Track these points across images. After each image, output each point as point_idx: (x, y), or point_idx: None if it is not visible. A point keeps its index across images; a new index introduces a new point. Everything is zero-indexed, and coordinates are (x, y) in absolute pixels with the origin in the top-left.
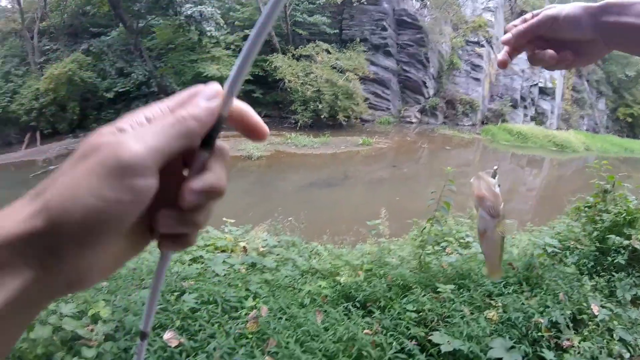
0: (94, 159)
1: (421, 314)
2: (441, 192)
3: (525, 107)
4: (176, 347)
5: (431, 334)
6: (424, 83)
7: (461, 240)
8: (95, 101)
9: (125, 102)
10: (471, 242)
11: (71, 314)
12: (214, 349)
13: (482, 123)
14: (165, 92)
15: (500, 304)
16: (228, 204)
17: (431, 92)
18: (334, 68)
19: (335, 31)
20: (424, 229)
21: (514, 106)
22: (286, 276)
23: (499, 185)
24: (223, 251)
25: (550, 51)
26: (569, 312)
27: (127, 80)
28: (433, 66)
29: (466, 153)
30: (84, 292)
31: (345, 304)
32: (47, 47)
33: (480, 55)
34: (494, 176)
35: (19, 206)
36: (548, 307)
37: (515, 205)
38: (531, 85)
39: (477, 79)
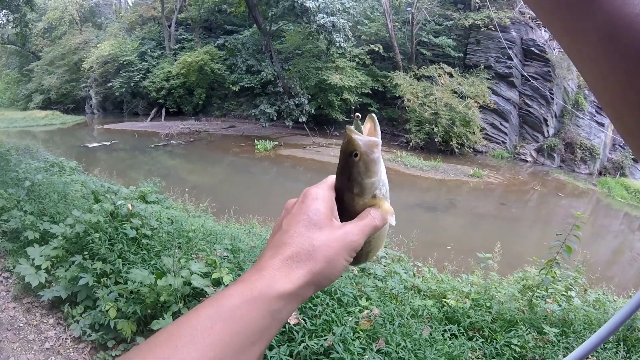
0: (340, 244)
1: (522, 350)
2: (566, 236)
3: None
4: (295, 324)
5: None
6: (545, 121)
7: (563, 294)
8: (220, 91)
9: (249, 97)
10: (573, 296)
11: (198, 272)
12: (333, 334)
13: (600, 174)
14: (289, 93)
15: (594, 357)
16: None
17: (551, 131)
18: (455, 92)
19: (460, 55)
20: (543, 269)
21: (635, 159)
22: (392, 288)
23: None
24: None
25: None
26: None
27: (254, 77)
28: (557, 103)
29: (578, 204)
30: (209, 254)
31: (450, 326)
32: (183, 36)
33: None
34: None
35: (277, 272)
36: None
37: (617, 270)
38: None
39: (602, 124)
